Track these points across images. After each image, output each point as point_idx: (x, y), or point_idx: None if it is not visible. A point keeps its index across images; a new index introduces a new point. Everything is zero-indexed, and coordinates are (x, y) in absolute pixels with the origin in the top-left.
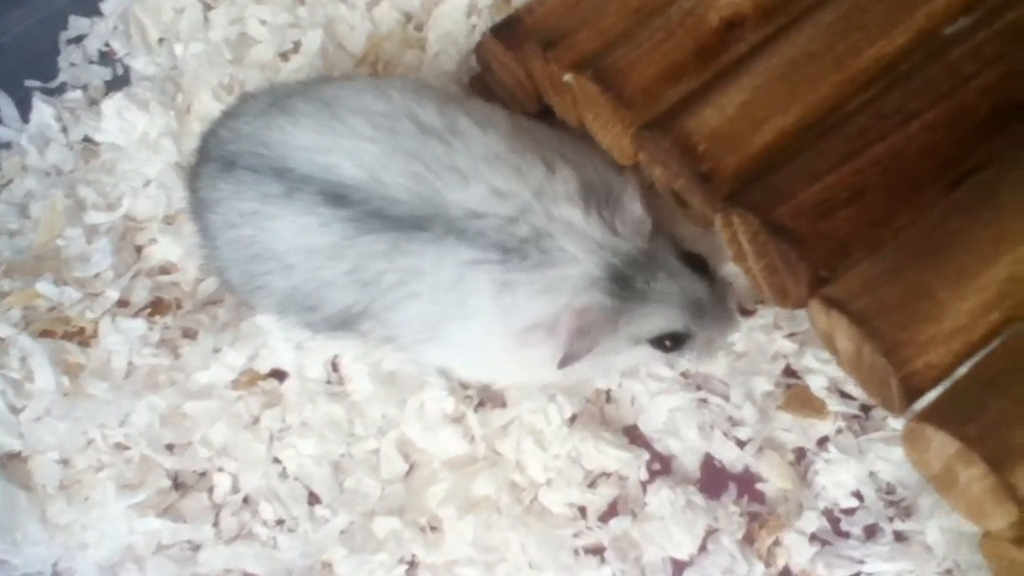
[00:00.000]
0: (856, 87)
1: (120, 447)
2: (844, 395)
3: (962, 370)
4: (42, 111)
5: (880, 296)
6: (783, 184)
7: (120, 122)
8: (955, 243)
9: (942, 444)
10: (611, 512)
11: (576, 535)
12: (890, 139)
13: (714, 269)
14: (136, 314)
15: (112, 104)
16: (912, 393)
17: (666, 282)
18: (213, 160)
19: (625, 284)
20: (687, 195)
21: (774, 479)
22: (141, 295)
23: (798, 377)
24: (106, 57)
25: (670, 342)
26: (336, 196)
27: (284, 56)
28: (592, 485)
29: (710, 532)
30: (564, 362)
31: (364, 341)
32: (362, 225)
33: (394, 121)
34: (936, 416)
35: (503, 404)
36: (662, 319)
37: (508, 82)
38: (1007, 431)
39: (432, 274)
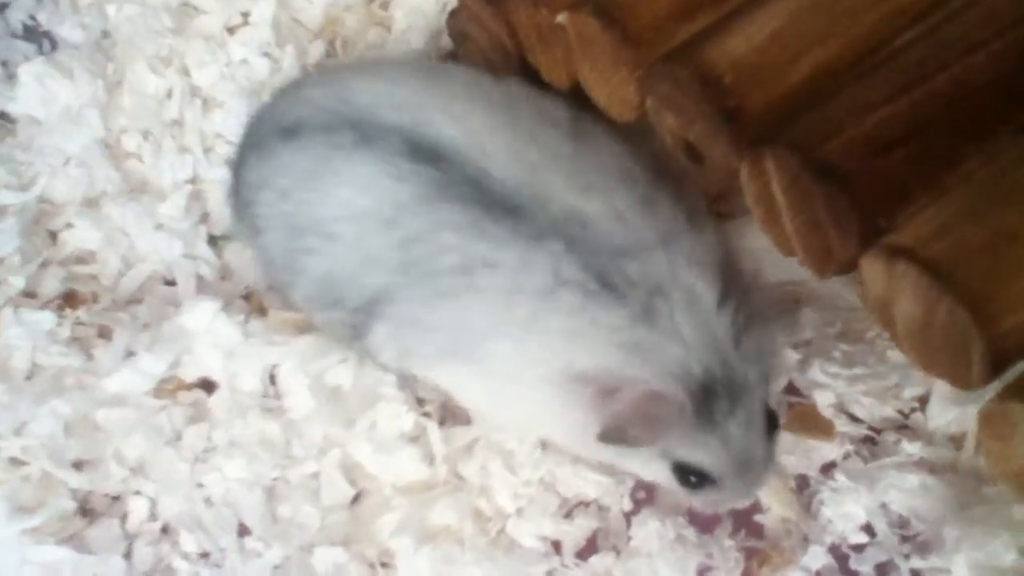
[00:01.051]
0: (903, 22)
1: (16, 462)
2: (853, 418)
3: None
4: None
5: (959, 242)
6: (828, 119)
7: (40, 90)
8: None
9: None
10: (590, 547)
11: (550, 573)
12: (952, 70)
13: (778, 437)
14: (44, 306)
15: (31, 70)
16: (998, 360)
17: (739, 426)
18: (267, 136)
19: (707, 400)
20: (706, 144)
21: (775, 507)
22: (51, 285)
23: (802, 395)
24: (31, 32)
25: (696, 479)
26: (425, 151)
27: (231, 30)
28: (569, 515)
29: (703, 570)
30: (606, 437)
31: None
32: (446, 189)
33: (514, 101)
34: None
35: (467, 421)
36: (710, 457)
37: (485, 46)
38: None
39: (511, 274)
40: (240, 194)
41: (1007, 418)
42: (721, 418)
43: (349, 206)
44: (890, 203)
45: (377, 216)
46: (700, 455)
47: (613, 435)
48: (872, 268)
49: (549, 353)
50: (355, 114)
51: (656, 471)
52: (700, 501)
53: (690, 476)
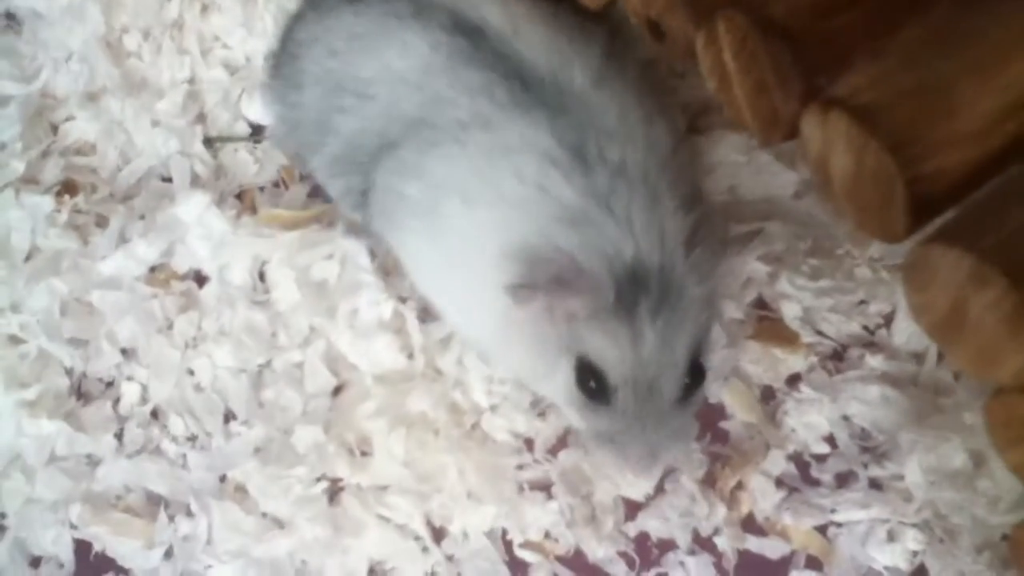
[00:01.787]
0: None
1: (15, 340)
2: (820, 333)
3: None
4: None
5: (887, 91)
6: None
7: None
8: (972, 38)
9: (952, 268)
10: (561, 444)
11: (521, 467)
12: None
13: (696, 402)
14: (44, 192)
15: None
16: (920, 205)
17: (657, 334)
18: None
19: (633, 290)
20: (667, 18)
21: (739, 412)
22: (52, 173)
23: (770, 309)
24: None
25: (594, 385)
26: (466, 27)
27: None
28: (541, 413)
29: (669, 471)
30: (516, 292)
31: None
32: (475, 58)
33: (561, 14)
34: (946, 234)
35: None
36: (613, 351)
37: None
38: None
39: (495, 134)
40: (287, 50)
41: (927, 263)
42: (641, 313)
43: (388, 69)
44: (830, 64)
45: (407, 80)
46: (606, 347)
47: (525, 289)
48: (810, 124)
49: (493, 222)
50: None
51: (561, 373)
52: (594, 432)
53: (590, 380)
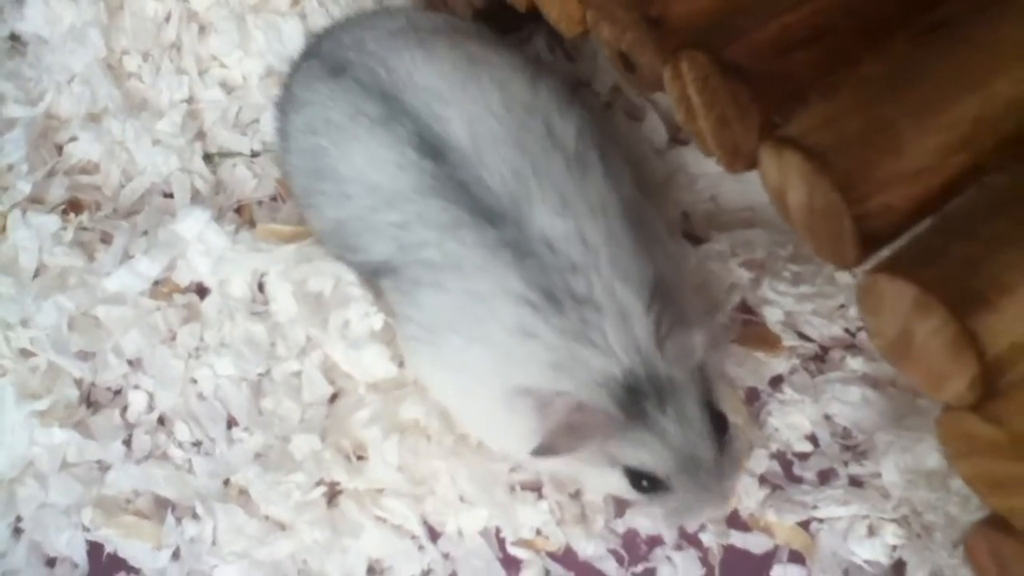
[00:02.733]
0: None
1: (25, 353)
2: (803, 335)
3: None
4: None
5: (837, 130)
6: (737, 25)
7: (45, 10)
8: (920, 76)
9: (898, 296)
10: None
11: (512, 470)
12: None
13: (732, 440)
14: (50, 211)
15: None
16: (867, 238)
17: (674, 422)
18: (322, 59)
19: (635, 400)
20: (636, 52)
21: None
22: (57, 192)
23: (753, 313)
24: None
25: (647, 484)
26: (431, 147)
27: None
28: None
29: None
30: (539, 451)
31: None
32: (439, 187)
33: (530, 116)
34: (892, 265)
35: None
36: (649, 454)
37: None
38: (970, 275)
39: (470, 277)
40: (284, 98)
41: (875, 291)
42: (653, 415)
43: (361, 175)
44: (786, 103)
45: (382, 193)
46: (641, 454)
47: (544, 450)
48: (767, 158)
49: (491, 363)
50: (389, 85)
51: (613, 482)
52: (665, 512)
53: (642, 480)
